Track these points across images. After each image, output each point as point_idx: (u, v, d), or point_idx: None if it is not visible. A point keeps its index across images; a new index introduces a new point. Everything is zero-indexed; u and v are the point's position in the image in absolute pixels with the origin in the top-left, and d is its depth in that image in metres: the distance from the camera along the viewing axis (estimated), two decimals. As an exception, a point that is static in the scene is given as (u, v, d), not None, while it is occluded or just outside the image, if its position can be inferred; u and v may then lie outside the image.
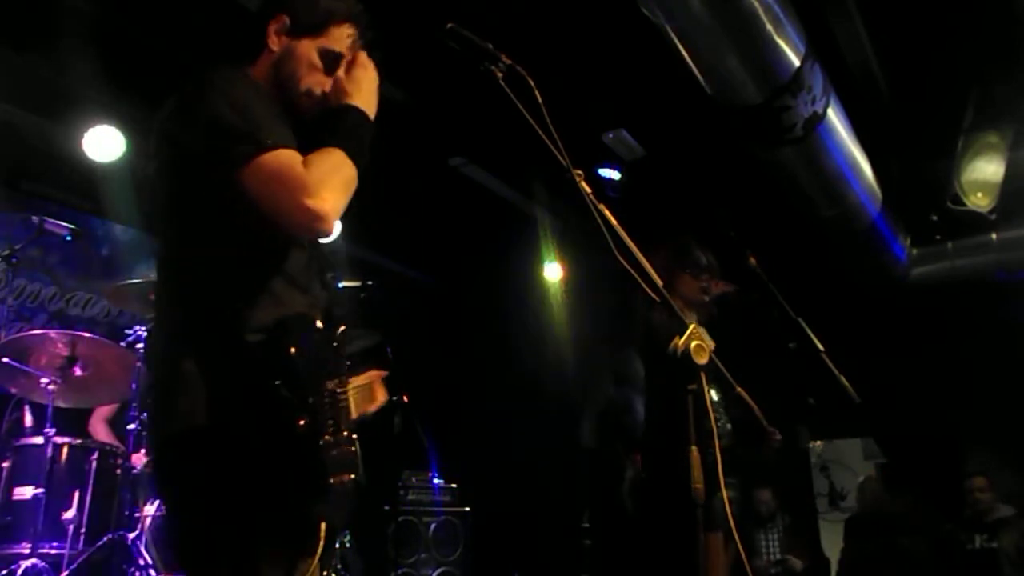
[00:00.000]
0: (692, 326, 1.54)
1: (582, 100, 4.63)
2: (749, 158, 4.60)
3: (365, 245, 6.32)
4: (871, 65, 4.76)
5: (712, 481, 3.24)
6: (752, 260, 2.82)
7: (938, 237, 6.21)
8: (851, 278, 6.14)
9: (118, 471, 3.67)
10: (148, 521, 3.56)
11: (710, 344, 1.54)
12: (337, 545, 4.06)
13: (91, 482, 3.54)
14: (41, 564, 3.22)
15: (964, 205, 5.38)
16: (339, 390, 1.57)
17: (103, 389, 3.84)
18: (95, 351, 3.62)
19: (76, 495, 3.49)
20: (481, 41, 1.64)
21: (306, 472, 1.42)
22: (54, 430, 3.46)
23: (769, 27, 3.49)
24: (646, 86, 4.70)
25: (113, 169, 4.58)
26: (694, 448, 1.54)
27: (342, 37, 1.74)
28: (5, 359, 3.45)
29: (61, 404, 3.69)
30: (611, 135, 5.27)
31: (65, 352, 3.56)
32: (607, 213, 1.60)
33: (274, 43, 1.73)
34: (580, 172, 1.61)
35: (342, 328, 1.66)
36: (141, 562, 3.38)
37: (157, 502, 3.59)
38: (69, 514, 3.42)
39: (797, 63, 3.71)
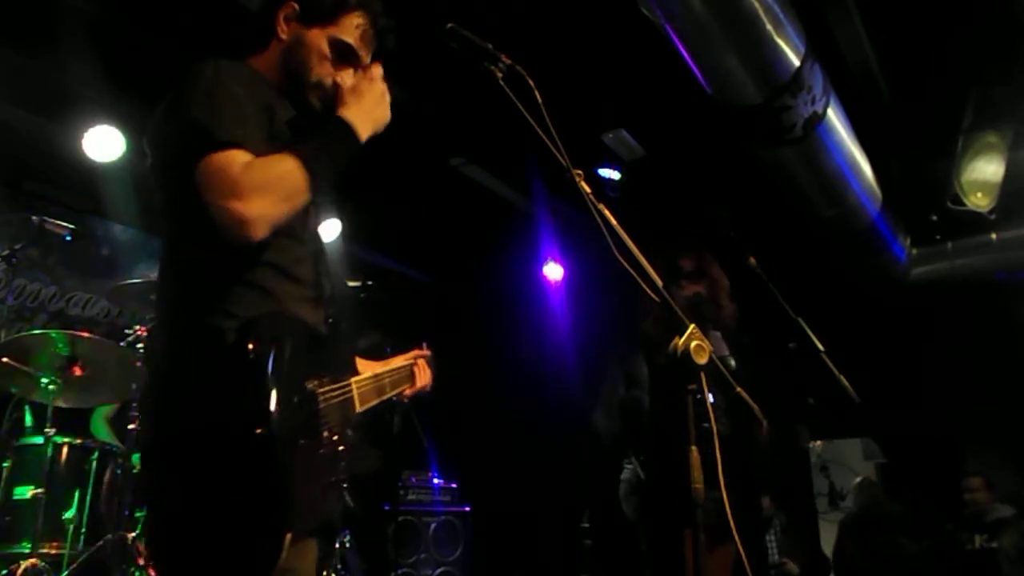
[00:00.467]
0: (692, 326, 1.54)
1: (582, 100, 4.63)
2: (749, 158, 4.60)
3: (365, 245, 6.32)
4: (871, 65, 4.76)
5: (711, 482, 3.25)
6: (752, 260, 2.82)
7: (938, 237, 6.21)
8: (851, 278, 6.14)
9: (118, 471, 3.67)
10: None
11: (709, 345, 1.54)
12: (337, 545, 4.06)
13: (91, 482, 3.54)
14: (41, 564, 3.22)
15: (964, 205, 5.38)
16: (327, 388, 1.54)
17: (103, 389, 3.84)
18: (95, 351, 3.62)
19: (76, 495, 3.49)
20: (481, 41, 1.64)
21: (267, 481, 1.36)
22: (54, 430, 3.46)
23: (769, 27, 3.48)
24: (646, 86, 4.70)
25: (113, 169, 4.58)
26: (694, 448, 1.54)
27: (352, 26, 1.70)
28: (5, 359, 3.45)
29: (61, 404, 3.70)
30: (611, 135, 5.27)
31: (65, 352, 3.56)
32: (607, 213, 1.60)
33: (283, 31, 1.69)
34: (580, 172, 1.61)
35: (339, 323, 1.64)
36: (141, 562, 3.38)
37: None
38: (69, 514, 3.42)
39: (797, 63, 3.71)
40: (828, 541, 6.72)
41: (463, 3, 2.88)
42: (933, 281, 6.31)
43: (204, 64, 1.57)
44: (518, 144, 3.45)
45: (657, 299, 1.62)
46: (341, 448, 1.55)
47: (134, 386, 3.73)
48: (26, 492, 3.38)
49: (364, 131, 1.61)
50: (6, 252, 3.82)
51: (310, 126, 1.66)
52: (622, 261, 1.60)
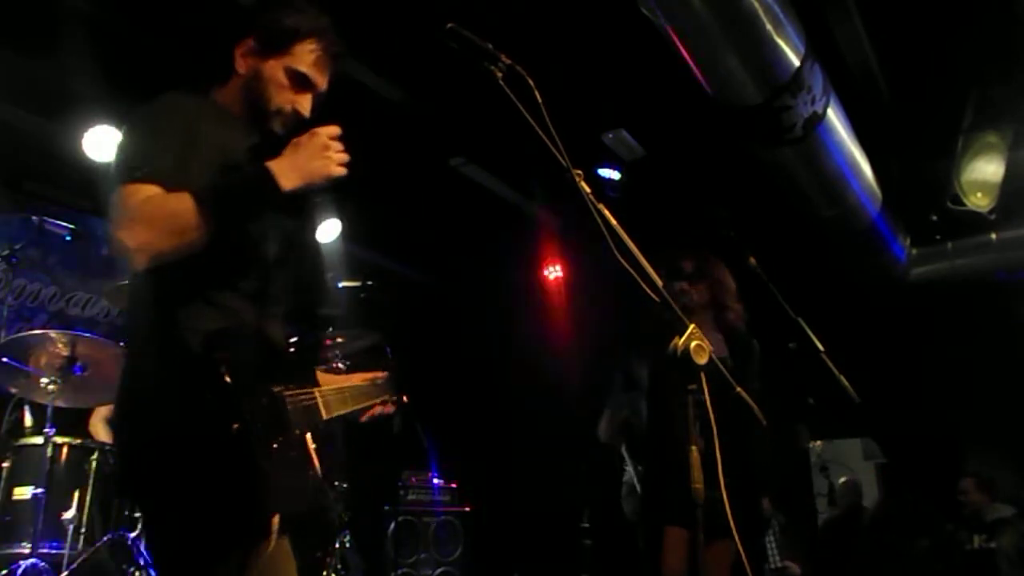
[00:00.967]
0: (692, 326, 1.54)
1: (582, 100, 4.63)
2: (749, 158, 4.60)
3: (365, 245, 6.32)
4: (871, 65, 4.76)
5: (709, 481, 3.25)
6: (752, 260, 2.82)
7: (938, 237, 6.21)
8: (851, 278, 6.14)
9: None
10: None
11: (709, 345, 1.54)
12: (337, 545, 4.06)
13: (91, 482, 3.54)
14: (41, 564, 3.22)
15: (964, 205, 5.37)
16: (292, 393, 1.64)
17: (103, 389, 3.83)
18: (95, 351, 3.62)
19: (76, 495, 3.49)
20: (481, 41, 1.64)
21: (245, 473, 1.46)
22: (54, 430, 3.46)
23: (769, 27, 3.49)
24: (646, 86, 4.70)
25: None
26: (694, 448, 1.54)
27: (306, 54, 1.78)
28: (5, 359, 3.45)
29: (61, 404, 3.69)
30: (611, 135, 5.27)
31: (65, 352, 3.56)
32: (607, 213, 1.60)
33: (241, 66, 1.78)
34: (580, 172, 1.61)
35: (303, 339, 1.77)
36: (141, 562, 3.38)
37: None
38: (69, 514, 3.42)
39: (797, 63, 3.71)
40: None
41: (463, 3, 2.88)
42: (933, 281, 6.31)
43: (157, 100, 1.67)
44: (518, 144, 3.45)
45: (657, 299, 1.62)
46: (313, 447, 1.65)
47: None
48: (26, 492, 3.38)
49: (289, 181, 1.63)
50: (6, 252, 3.82)
51: (270, 152, 1.73)
52: (622, 261, 1.60)
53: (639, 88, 4.76)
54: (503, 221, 6.37)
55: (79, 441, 3.64)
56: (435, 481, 5.68)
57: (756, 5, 3.39)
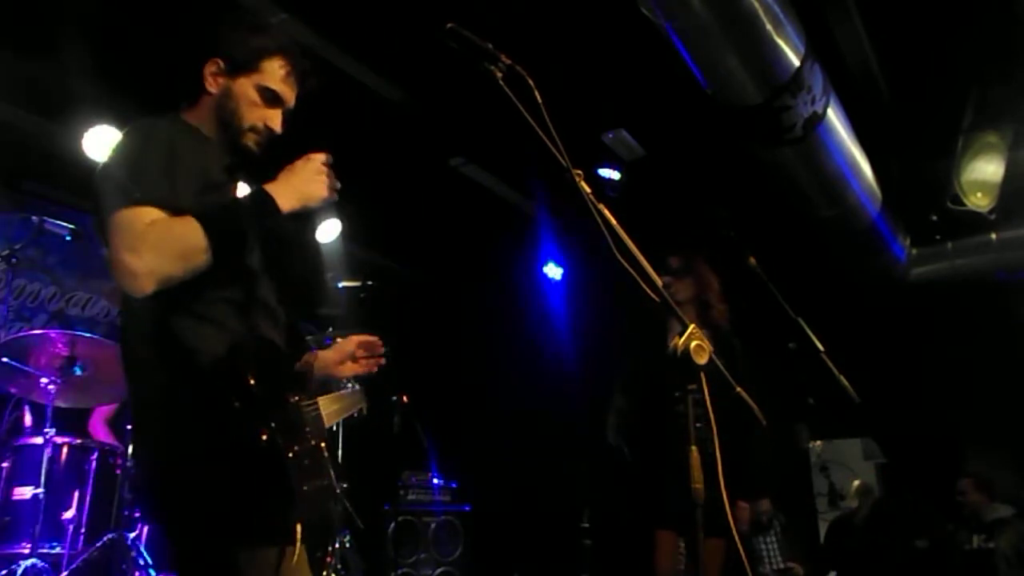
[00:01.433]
0: (692, 326, 1.54)
1: (582, 100, 4.63)
2: (749, 158, 4.60)
3: (365, 245, 6.32)
4: (871, 65, 4.76)
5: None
6: (752, 260, 2.82)
7: (938, 237, 6.21)
8: (851, 278, 6.14)
9: (118, 471, 3.67)
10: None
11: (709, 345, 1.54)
12: (337, 545, 4.06)
13: (91, 482, 3.54)
14: (41, 564, 3.22)
15: (964, 205, 5.37)
16: (304, 403, 1.68)
17: (103, 389, 3.84)
18: (95, 351, 3.62)
19: (76, 495, 3.50)
20: (481, 41, 1.64)
21: (275, 480, 1.49)
22: (54, 430, 3.46)
23: (769, 27, 3.48)
24: (646, 86, 4.70)
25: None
26: (694, 448, 1.54)
27: (275, 70, 1.82)
28: (5, 359, 3.46)
29: (61, 404, 3.70)
30: (611, 135, 5.27)
31: (65, 352, 3.56)
32: (607, 213, 1.60)
33: (211, 85, 1.81)
34: (580, 172, 1.61)
35: (302, 347, 1.81)
36: (141, 562, 3.38)
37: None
38: (69, 514, 3.42)
39: (797, 63, 3.71)
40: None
41: (463, 3, 2.88)
42: (933, 281, 6.31)
43: (133, 126, 1.70)
44: (518, 144, 3.45)
45: (657, 299, 1.62)
46: (327, 455, 1.70)
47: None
48: (26, 492, 3.38)
49: (287, 202, 1.69)
50: (6, 252, 3.82)
51: (246, 169, 1.79)
52: (622, 261, 1.60)
53: (639, 88, 4.76)
54: (503, 221, 6.37)
55: (79, 441, 3.64)
56: (435, 481, 5.68)
57: (756, 5, 3.38)
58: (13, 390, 3.70)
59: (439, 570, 5.39)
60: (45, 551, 3.33)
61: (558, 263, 6.62)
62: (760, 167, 4.66)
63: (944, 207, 5.51)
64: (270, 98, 1.82)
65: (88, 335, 3.68)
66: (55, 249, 4.91)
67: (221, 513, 1.49)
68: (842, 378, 2.38)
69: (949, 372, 6.13)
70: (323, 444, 1.68)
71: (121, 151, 1.66)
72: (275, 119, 1.84)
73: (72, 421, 4.00)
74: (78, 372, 3.62)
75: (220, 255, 1.57)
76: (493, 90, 1.62)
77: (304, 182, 1.72)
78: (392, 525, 5.22)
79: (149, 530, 3.56)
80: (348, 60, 4.40)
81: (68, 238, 3.85)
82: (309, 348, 1.91)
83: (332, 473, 1.67)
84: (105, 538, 3.40)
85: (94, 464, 3.58)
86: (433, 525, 5.48)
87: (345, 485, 4.37)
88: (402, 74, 4.64)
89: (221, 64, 1.80)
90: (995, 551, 5.28)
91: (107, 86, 4.19)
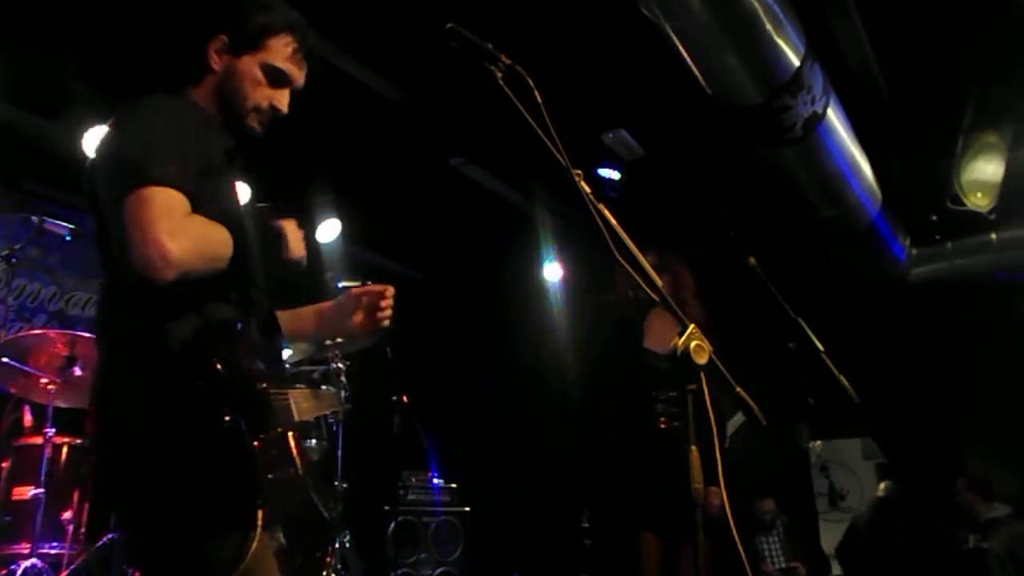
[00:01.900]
0: (692, 326, 1.54)
1: (582, 100, 4.63)
2: (749, 158, 4.60)
3: (365, 245, 6.32)
4: (871, 65, 4.75)
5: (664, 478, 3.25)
6: (752, 260, 2.82)
7: (938, 237, 6.21)
8: (851, 278, 6.14)
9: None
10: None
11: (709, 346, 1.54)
12: (337, 545, 4.06)
13: (91, 482, 3.54)
14: (41, 564, 3.22)
15: (964, 205, 5.37)
16: (273, 391, 1.63)
17: (103, 389, 3.83)
18: (95, 351, 3.61)
19: (76, 495, 3.49)
20: (481, 41, 1.64)
21: (237, 465, 1.46)
22: (54, 430, 3.46)
23: (769, 27, 3.48)
24: (646, 86, 4.70)
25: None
26: (694, 448, 1.54)
27: (281, 48, 1.75)
28: (5, 359, 3.46)
29: (61, 404, 3.69)
30: (611, 135, 5.27)
31: (65, 352, 3.56)
32: (607, 213, 1.60)
33: (215, 63, 1.74)
34: (580, 172, 1.60)
35: (277, 337, 1.80)
36: (141, 562, 3.37)
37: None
38: (69, 514, 3.42)
39: (797, 63, 3.71)
40: (828, 541, 6.72)
41: (463, 3, 2.88)
42: (933, 281, 6.31)
43: (141, 100, 1.62)
44: (518, 144, 3.45)
45: (657, 299, 1.62)
46: (295, 447, 1.65)
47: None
48: (26, 492, 3.38)
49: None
50: (6, 252, 3.82)
51: (246, 153, 1.75)
52: (622, 261, 1.60)
53: (639, 88, 4.76)
54: (503, 221, 6.37)
55: (79, 441, 3.64)
56: (435, 481, 5.68)
57: (756, 5, 3.38)
58: (13, 390, 3.70)
59: (439, 570, 5.39)
60: (45, 551, 3.33)
61: (558, 263, 6.62)
62: (760, 167, 4.66)
63: (944, 207, 5.51)
64: (276, 77, 1.75)
65: (88, 335, 3.67)
66: (55, 249, 4.91)
67: (184, 499, 1.46)
68: (842, 378, 2.38)
69: (949, 372, 6.13)
70: (291, 434, 1.63)
71: (135, 126, 1.58)
72: (281, 99, 1.77)
73: (72, 421, 4.00)
74: (78, 372, 3.62)
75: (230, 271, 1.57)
76: (493, 90, 1.62)
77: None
78: (392, 525, 5.22)
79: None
80: (348, 60, 4.40)
81: (68, 238, 3.85)
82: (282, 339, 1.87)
83: (299, 463, 1.64)
84: (105, 538, 3.40)
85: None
86: (433, 525, 5.48)
87: (345, 485, 4.38)
88: (402, 74, 4.64)
89: (225, 41, 1.73)
90: (988, 551, 5.29)
91: (107, 86, 4.20)
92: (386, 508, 5.33)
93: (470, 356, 7.15)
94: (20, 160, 4.76)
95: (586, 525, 5.71)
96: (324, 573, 3.82)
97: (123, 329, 1.60)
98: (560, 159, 1.59)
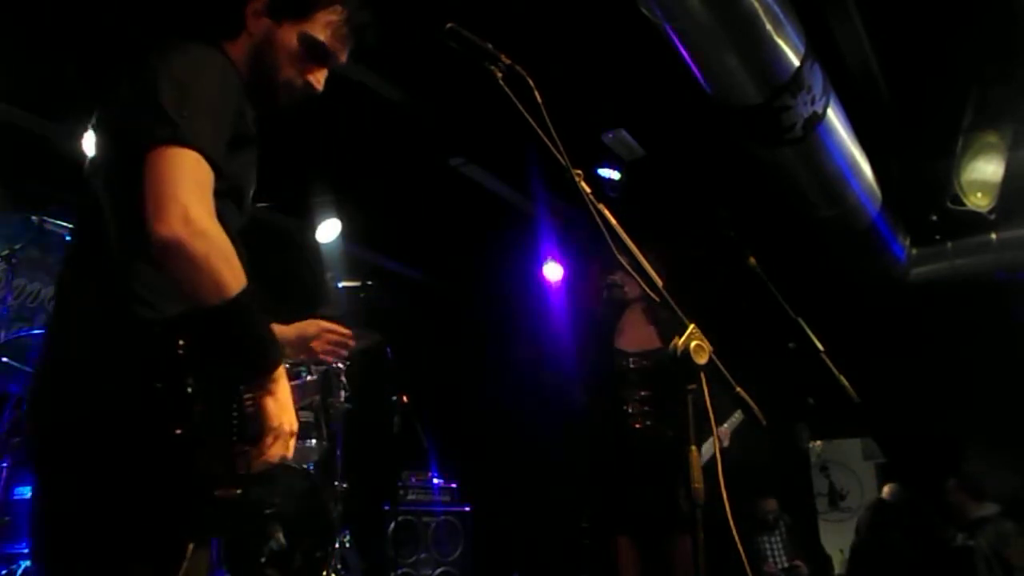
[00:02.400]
0: (692, 326, 1.54)
1: (582, 100, 4.63)
2: (749, 158, 4.60)
3: (365, 245, 6.32)
4: (871, 65, 4.75)
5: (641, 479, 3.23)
6: (752, 260, 2.82)
7: (938, 237, 6.21)
8: (851, 278, 6.14)
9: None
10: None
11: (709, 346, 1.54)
12: (337, 545, 4.06)
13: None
14: (41, 564, 3.21)
15: (964, 205, 5.37)
16: (247, 394, 1.48)
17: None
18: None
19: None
20: (481, 41, 1.64)
21: (178, 485, 1.30)
22: (54, 430, 3.45)
23: (769, 27, 3.48)
24: (646, 86, 4.70)
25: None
26: (693, 448, 1.53)
27: (327, 20, 1.59)
28: (5, 359, 3.45)
29: (61, 404, 3.69)
30: (611, 135, 5.26)
31: (65, 352, 3.55)
32: (607, 213, 1.60)
33: (253, 25, 1.58)
34: (580, 172, 1.60)
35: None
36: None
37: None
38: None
39: (797, 63, 3.71)
40: (828, 540, 6.73)
41: (463, 3, 2.88)
42: (933, 281, 6.31)
43: (183, 46, 1.46)
44: (518, 144, 3.45)
45: (657, 299, 1.61)
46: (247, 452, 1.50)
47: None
48: (26, 492, 3.38)
49: (269, 389, 1.45)
50: (6, 252, 3.82)
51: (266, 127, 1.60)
52: (622, 261, 1.60)
53: (639, 88, 4.76)
54: (503, 221, 6.37)
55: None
56: (435, 481, 5.68)
57: (756, 5, 3.38)
58: (13, 390, 3.70)
59: (439, 570, 5.39)
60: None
61: (558, 263, 6.62)
62: (760, 167, 4.66)
63: (944, 207, 5.50)
64: (316, 52, 1.59)
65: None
66: (55, 249, 4.91)
67: (108, 504, 1.28)
68: (842, 378, 2.38)
69: (949, 372, 6.13)
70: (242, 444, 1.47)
71: (179, 72, 1.40)
72: (318, 77, 1.62)
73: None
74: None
75: (212, 320, 1.35)
76: (493, 90, 1.62)
77: (280, 416, 1.46)
78: (392, 525, 5.22)
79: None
80: (348, 60, 4.40)
81: (68, 238, 3.85)
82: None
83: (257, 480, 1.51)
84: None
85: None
86: (433, 525, 5.47)
87: (345, 485, 4.38)
88: (402, 74, 4.63)
89: (267, 1, 1.57)
90: (975, 549, 5.32)
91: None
92: (386, 508, 5.33)
93: (470, 356, 7.15)
94: (20, 160, 4.76)
95: (586, 525, 5.71)
96: (324, 573, 3.82)
97: (87, 306, 1.41)
98: (560, 159, 1.59)
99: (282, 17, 1.58)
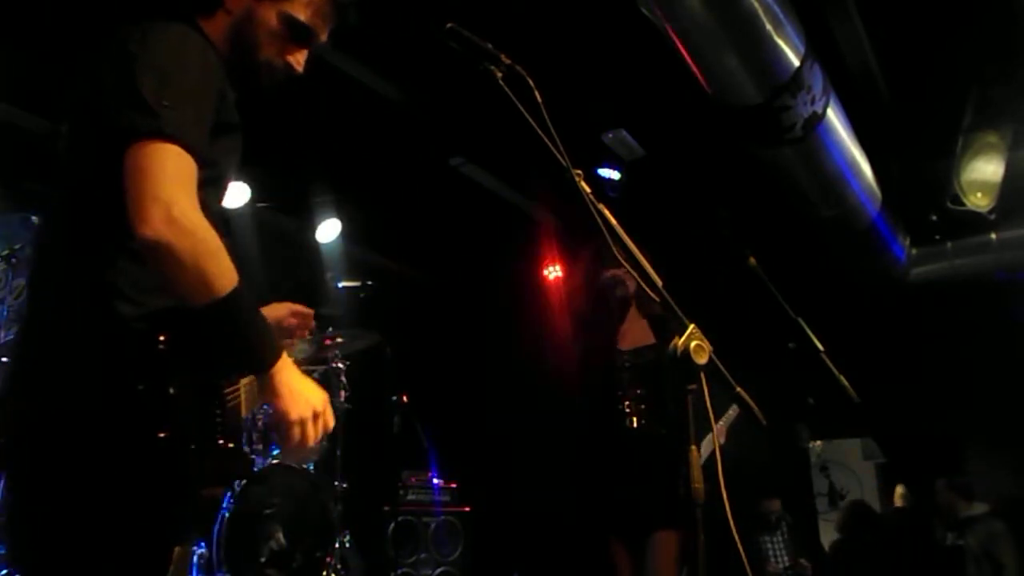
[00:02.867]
0: (692, 326, 1.54)
1: (582, 100, 4.63)
2: (749, 158, 4.60)
3: (365, 245, 6.32)
4: (871, 65, 4.76)
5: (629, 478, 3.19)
6: (752, 260, 2.82)
7: (938, 237, 6.22)
8: (851, 278, 6.15)
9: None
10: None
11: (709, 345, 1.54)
12: (337, 545, 4.07)
13: None
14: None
15: (964, 205, 5.38)
16: (226, 391, 1.45)
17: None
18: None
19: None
20: (481, 41, 1.64)
21: (164, 488, 1.28)
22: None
23: (769, 27, 3.49)
24: (646, 86, 4.70)
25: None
26: (694, 448, 1.53)
27: (307, 1, 1.55)
28: (5, 359, 3.45)
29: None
30: (611, 135, 5.27)
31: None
32: (607, 213, 1.60)
33: (231, 2, 1.53)
34: (580, 172, 1.60)
35: None
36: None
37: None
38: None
39: (797, 63, 3.71)
40: (828, 541, 6.73)
41: (463, 3, 2.88)
42: (933, 281, 6.31)
43: (160, 26, 1.41)
44: (518, 144, 3.45)
45: (657, 299, 1.61)
46: (232, 449, 1.49)
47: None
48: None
49: (279, 382, 1.40)
50: (6, 252, 3.82)
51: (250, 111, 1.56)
52: (622, 261, 1.60)
53: (639, 88, 4.76)
54: (503, 221, 6.37)
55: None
56: (435, 481, 5.68)
57: (756, 5, 3.39)
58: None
59: (439, 570, 5.39)
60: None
61: (558, 263, 6.62)
62: (760, 167, 4.66)
63: (944, 207, 5.51)
64: (296, 32, 1.54)
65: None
66: (55, 249, 4.91)
67: (90, 507, 1.26)
68: (842, 378, 2.38)
69: (949, 372, 6.14)
70: (232, 443, 1.45)
71: (158, 55, 1.36)
72: (299, 58, 1.58)
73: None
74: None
75: (204, 321, 1.32)
76: (493, 90, 1.62)
77: (297, 401, 1.41)
78: (392, 525, 5.21)
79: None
80: (348, 60, 4.40)
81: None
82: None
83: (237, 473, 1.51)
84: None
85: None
86: (433, 525, 5.47)
87: (345, 485, 4.38)
88: (402, 74, 4.64)
89: None
90: (964, 548, 5.34)
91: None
92: (386, 508, 5.33)
93: (470, 356, 7.15)
94: (20, 160, 4.76)
95: (578, 525, 5.71)
96: (324, 573, 3.82)
97: (66, 303, 1.37)
98: (560, 159, 1.58)
99: None
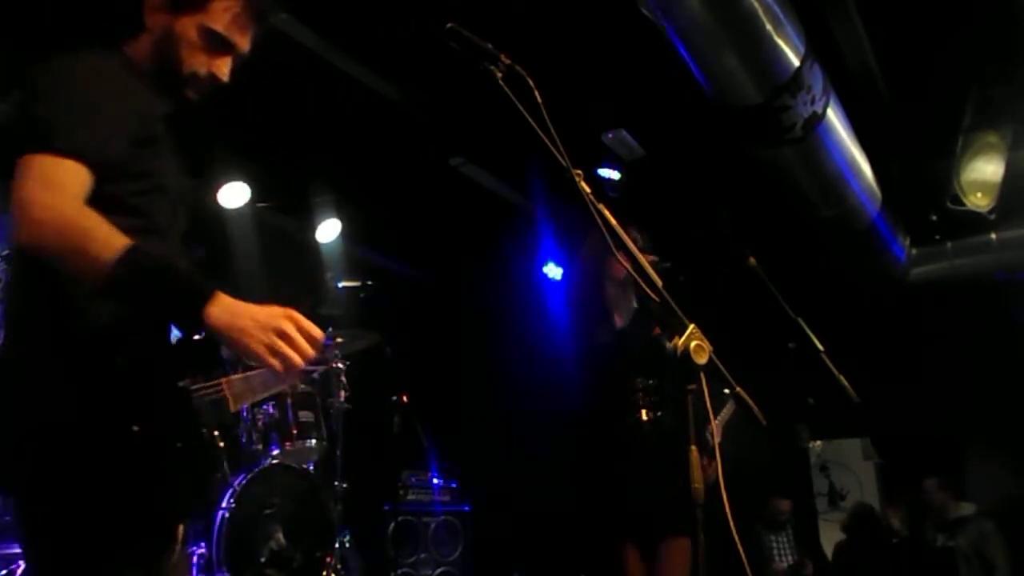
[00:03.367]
0: (691, 326, 1.54)
1: (582, 100, 4.63)
2: (749, 158, 4.60)
3: (365, 245, 6.32)
4: (871, 65, 4.76)
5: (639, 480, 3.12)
6: (752, 260, 2.82)
7: (938, 237, 6.22)
8: (851, 278, 6.15)
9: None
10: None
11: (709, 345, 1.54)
12: (337, 545, 4.07)
13: None
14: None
15: (964, 205, 5.38)
16: (194, 387, 1.48)
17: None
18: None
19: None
20: (481, 41, 1.64)
21: (149, 478, 1.36)
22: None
23: (769, 27, 3.49)
24: (646, 86, 4.70)
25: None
26: (694, 448, 1.53)
27: (223, 11, 1.59)
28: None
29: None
30: (611, 135, 5.27)
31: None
32: (607, 213, 1.60)
33: (152, 21, 1.60)
34: (580, 172, 1.60)
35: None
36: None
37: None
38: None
39: (796, 63, 3.71)
40: (828, 541, 6.73)
41: (463, 3, 2.88)
42: (933, 281, 6.31)
43: (62, 55, 1.50)
44: (518, 144, 3.45)
45: (657, 299, 1.61)
46: (220, 445, 1.53)
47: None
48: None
49: (218, 321, 1.37)
50: (6, 252, 3.82)
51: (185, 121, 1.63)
52: (622, 261, 1.60)
53: (639, 88, 4.76)
54: (503, 221, 6.37)
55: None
56: (435, 481, 5.68)
57: (756, 5, 3.39)
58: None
59: (439, 570, 5.39)
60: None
61: (558, 263, 6.62)
62: (760, 167, 4.67)
63: (944, 207, 5.51)
64: (216, 43, 1.59)
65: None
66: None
67: (85, 511, 1.33)
68: (842, 378, 2.38)
69: (949, 372, 6.14)
70: (217, 432, 1.51)
71: (54, 83, 1.47)
72: (221, 67, 1.62)
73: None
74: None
75: (113, 294, 1.36)
76: (493, 90, 1.62)
77: (254, 327, 1.37)
78: (392, 525, 5.22)
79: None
80: (348, 60, 4.40)
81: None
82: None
83: (227, 465, 1.58)
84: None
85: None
86: (433, 525, 5.47)
87: (345, 485, 4.38)
88: (402, 74, 4.64)
89: None
90: (955, 549, 5.33)
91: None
92: (386, 508, 5.33)
93: (470, 356, 7.15)
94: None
95: (585, 527, 5.71)
96: (324, 573, 3.82)
97: (29, 312, 1.46)
98: (560, 159, 1.58)
99: (180, 10, 1.58)
